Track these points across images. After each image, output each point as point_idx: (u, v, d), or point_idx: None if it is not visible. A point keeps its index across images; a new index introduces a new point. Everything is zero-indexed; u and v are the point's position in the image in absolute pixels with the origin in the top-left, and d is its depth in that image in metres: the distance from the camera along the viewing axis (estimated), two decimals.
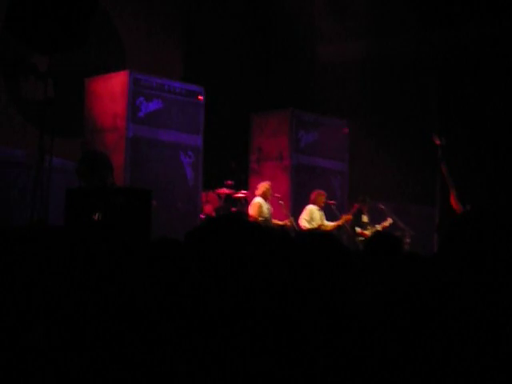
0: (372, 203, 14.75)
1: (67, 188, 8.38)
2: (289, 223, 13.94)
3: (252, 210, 13.51)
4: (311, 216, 13.95)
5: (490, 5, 15.63)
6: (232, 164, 14.77)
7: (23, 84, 13.78)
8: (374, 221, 14.60)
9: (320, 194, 14.14)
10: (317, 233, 3.22)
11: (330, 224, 14.10)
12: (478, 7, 15.75)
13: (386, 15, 17.07)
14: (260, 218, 13.39)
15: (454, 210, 13.37)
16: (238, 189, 14.67)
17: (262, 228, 2.54)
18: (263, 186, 13.73)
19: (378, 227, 14.40)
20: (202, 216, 13.92)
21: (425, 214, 15.71)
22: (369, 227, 14.40)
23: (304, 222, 13.91)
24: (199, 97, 13.60)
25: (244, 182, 15.22)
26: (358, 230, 14.32)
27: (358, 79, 17.18)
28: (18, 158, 10.52)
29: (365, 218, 14.56)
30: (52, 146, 8.49)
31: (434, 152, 13.43)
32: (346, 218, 14.19)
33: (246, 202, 14.39)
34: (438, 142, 13.48)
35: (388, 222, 14.47)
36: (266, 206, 13.58)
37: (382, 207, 14.88)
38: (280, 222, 13.92)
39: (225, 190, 14.42)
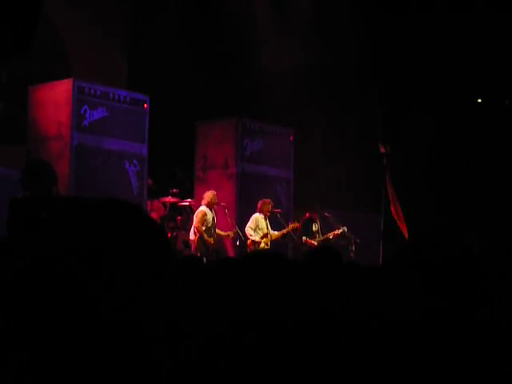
0: (321, 212, 14.76)
1: (10, 198, 8.24)
2: (232, 234, 13.89)
3: (196, 219, 13.44)
4: (257, 224, 13.94)
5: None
6: (177, 172, 14.70)
7: None
8: (326, 229, 14.60)
9: (266, 202, 14.10)
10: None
11: (276, 233, 14.09)
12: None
13: (329, 25, 17.16)
14: (203, 228, 13.32)
15: (394, 219, 13.49)
16: (183, 197, 14.62)
17: None
18: (208, 195, 13.65)
19: (330, 235, 14.41)
20: None
21: (370, 222, 15.78)
22: (318, 236, 14.39)
23: (250, 230, 13.88)
24: (144, 105, 13.53)
25: (189, 191, 15.16)
26: (304, 238, 14.30)
27: (303, 87, 17.24)
28: None
29: (315, 227, 14.55)
30: None
31: (379, 160, 13.56)
32: (292, 225, 14.19)
33: (191, 210, 14.34)
34: (382, 150, 13.62)
35: (340, 230, 14.46)
36: (210, 215, 13.50)
37: (327, 215, 14.90)
38: (223, 233, 13.84)
39: (170, 199, 14.35)
